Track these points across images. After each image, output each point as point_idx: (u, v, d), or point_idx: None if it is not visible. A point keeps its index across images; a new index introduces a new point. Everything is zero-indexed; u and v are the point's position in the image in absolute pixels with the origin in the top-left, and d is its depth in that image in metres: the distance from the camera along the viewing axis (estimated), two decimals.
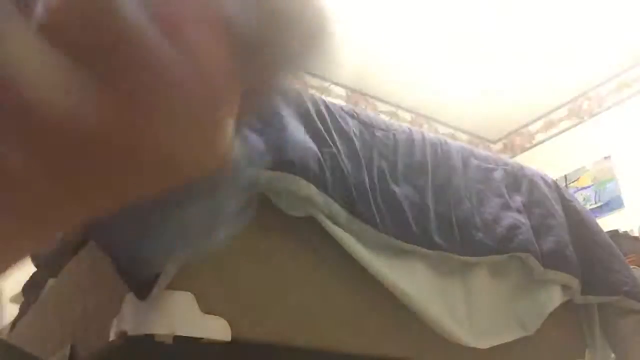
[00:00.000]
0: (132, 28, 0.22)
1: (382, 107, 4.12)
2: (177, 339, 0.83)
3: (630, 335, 1.39)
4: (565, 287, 1.33)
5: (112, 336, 0.83)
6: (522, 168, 1.46)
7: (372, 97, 4.10)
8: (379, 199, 1.09)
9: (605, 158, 3.78)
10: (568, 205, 1.46)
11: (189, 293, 0.87)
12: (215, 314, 0.89)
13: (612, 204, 3.65)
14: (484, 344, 1.17)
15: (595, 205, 3.71)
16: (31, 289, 1.38)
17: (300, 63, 0.34)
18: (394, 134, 1.24)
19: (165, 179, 0.26)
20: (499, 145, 4.60)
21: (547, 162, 3.92)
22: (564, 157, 4.03)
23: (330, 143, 1.08)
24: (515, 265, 1.28)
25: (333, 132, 1.11)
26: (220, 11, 0.25)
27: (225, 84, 0.25)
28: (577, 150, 3.98)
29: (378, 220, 1.07)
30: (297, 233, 1.04)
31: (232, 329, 0.89)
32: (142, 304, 0.82)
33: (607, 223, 2.61)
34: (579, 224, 1.44)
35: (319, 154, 1.03)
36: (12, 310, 1.62)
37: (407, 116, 4.22)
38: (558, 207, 1.43)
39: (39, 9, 0.22)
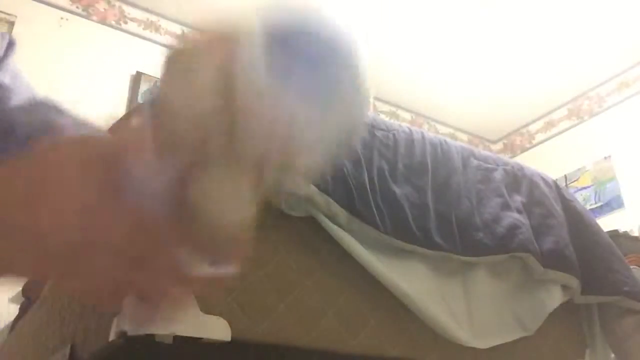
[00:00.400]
0: None
1: (382, 107, 4.12)
2: (177, 339, 0.83)
3: (630, 335, 1.39)
4: (565, 287, 1.33)
5: (112, 336, 0.83)
6: (522, 168, 1.46)
7: (372, 97, 4.10)
8: (379, 199, 1.09)
9: (605, 158, 3.78)
10: (568, 205, 1.46)
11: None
12: (215, 314, 0.89)
13: (612, 204, 3.65)
14: (483, 344, 1.17)
15: (595, 205, 3.71)
16: (30, 288, 1.39)
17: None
18: (394, 134, 1.24)
19: None
20: (499, 145, 4.60)
21: (547, 162, 3.92)
22: (564, 157, 4.03)
23: None
24: (515, 265, 1.28)
25: None
26: None
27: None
28: (577, 150, 3.98)
29: (378, 220, 1.07)
30: (297, 233, 1.04)
31: (232, 329, 0.89)
32: (142, 304, 0.82)
33: (607, 223, 2.61)
34: (579, 224, 1.43)
35: None
36: (12, 310, 1.62)
37: (407, 116, 4.22)
38: (558, 207, 1.43)
39: None
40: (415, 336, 1.13)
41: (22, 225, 0.29)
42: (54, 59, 2.86)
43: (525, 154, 4.36)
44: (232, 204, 0.32)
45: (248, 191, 0.32)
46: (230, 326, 0.89)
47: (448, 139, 1.38)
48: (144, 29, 3.30)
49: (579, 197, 3.70)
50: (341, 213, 1.03)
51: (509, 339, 1.22)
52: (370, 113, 1.31)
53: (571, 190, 3.62)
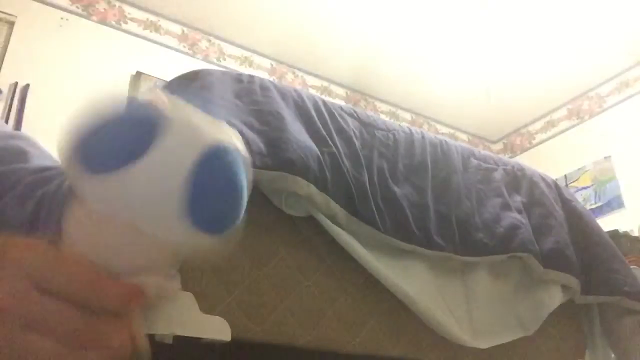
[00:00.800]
0: None
1: (382, 107, 4.12)
2: (177, 339, 0.83)
3: (630, 336, 1.39)
4: (565, 287, 1.33)
5: None
6: (522, 168, 1.46)
7: (372, 97, 4.10)
8: (379, 199, 1.09)
9: (605, 158, 3.78)
10: (568, 205, 1.46)
11: (189, 293, 0.87)
12: (215, 314, 0.89)
13: (612, 204, 3.65)
14: (483, 343, 1.17)
15: (595, 205, 3.71)
16: None
17: None
18: (394, 134, 1.24)
19: None
20: (499, 145, 4.60)
21: (547, 162, 3.92)
22: (564, 157, 4.03)
23: (330, 143, 1.08)
24: (515, 265, 1.28)
25: (333, 132, 1.11)
26: None
27: None
28: (577, 150, 3.98)
29: (378, 220, 1.07)
30: (297, 233, 1.04)
31: (232, 329, 0.89)
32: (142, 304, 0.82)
33: (607, 223, 2.60)
34: (579, 224, 1.43)
35: (319, 154, 1.03)
36: None
37: (407, 116, 4.22)
38: (558, 207, 1.43)
39: None
40: (415, 336, 1.13)
41: None
42: (54, 59, 2.86)
43: (525, 154, 4.36)
44: None
45: None
46: (230, 326, 0.89)
47: (448, 139, 1.38)
48: (144, 29, 3.30)
49: (579, 197, 3.70)
50: (341, 213, 1.03)
51: (509, 339, 1.22)
52: (370, 113, 1.31)
53: (571, 190, 3.62)
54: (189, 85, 1.02)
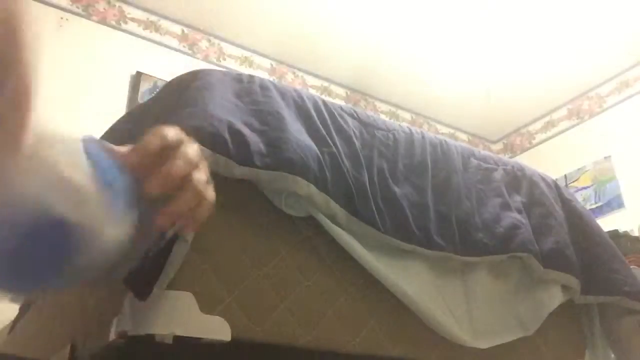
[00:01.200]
0: None
1: (382, 107, 4.13)
2: (177, 339, 0.83)
3: (630, 336, 1.39)
4: (565, 287, 1.33)
5: (112, 336, 0.83)
6: (522, 168, 1.46)
7: (372, 97, 4.10)
8: (379, 199, 1.09)
9: (605, 158, 3.78)
10: (568, 205, 1.46)
11: (189, 293, 0.87)
12: (215, 314, 0.89)
13: (612, 204, 3.65)
14: (483, 343, 1.17)
15: (595, 205, 3.71)
16: None
17: None
18: (394, 134, 1.24)
19: None
20: (499, 145, 4.60)
21: (547, 162, 3.92)
22: (564, 157, 4.03)
23: (330, 143, 1.08)
24: (515, 265, 1.28)
25: (333, 132, 1.11)
26: None
27: None
28: (577, 150, 3.98)
29: (378, 220, 1.07)
30: (297, 233, 1.04)
31: (232, 329, 0.89)
32: (142, 304, 0.82)
33: (607, 223, 2.61)
34: (579, 224, 1.43)
35: (319, 154, 1.03)
36: (12, 310, 1.62)
37: (407, 116, 4.22)
38: (558, 207, 1.43)
39: None
40: (415, 336, 1.13)
41: None
42: (54, 59, 2.86)
43: (525, 154, 4.36)
44: None
45: None
46: (230, 326, 0.89)
47: (448, 139, 1.38)
48: (144, 29, 3.30)
49: (579, 197, 3.70)
50: (341, 213, 1.03)
51: (509, 339, 1.22)
52: (370, 113, 1.31)
53: (571, 190, 3.62)
54: (188, 85, 1.03)
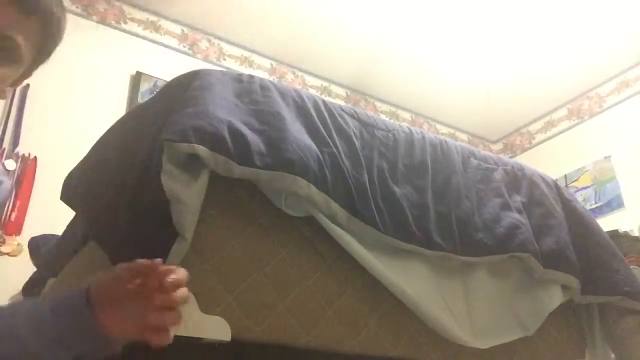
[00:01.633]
0: None
1: (382, 107, 4.12)
2: (177, 339, 0.83)
3: (631, 336, 1.39)
4: (565, 287, 1.33)
5: None
6: (522, 168, 1.46)
7: (372, 97, 4.10)
8: (379, 199, 1.09)
9: (605, 158, 3.77)
10: (568, 205, 1.46)
11: (189, 293, 0.87)
12: (215, 314, 0.89)
13: (612, 204, 3.65)
14: (483, 343, 1.17)
15: (595, 205, 3.71)
16: (31, 288, 1.38)
17: None
18: (394, 134, 1.24)
19: None
20: (499, 145, 4.60)
21: (547, 162, 3.92)
22: (564, 157, 4.02)
23: (330, 143, 1.08)
24: (515, 265, 1.28)
25: (333, 132, 1.11)
26: None
27: None
28: (577, 150, 3.98)
29: (378, 220, 1.06)
30: (297, 233, 1.04)
31: (232, 329, 0.89)
32: None
33: (607, 223, 2.60)
34: (579, 224, 1.43)
35: (319, 154, 1.03)
36: None
37: (407, 116, 4.22)
38: (558, 207, 1.43)
39: None
40: (415, 336, 1.13)
41: None
42: (53, 59, 2.86)
43: (525, 154, 4.35)
44: None
45: None
46: (230, 326, 0.89)
47: (448, 139, 1.38)
48: (144, 29, 3.30)
49: (579, 197, 3.70)
50: (341, 213, 1.03)
51: (509, 339, 1.22)
52: (370, 113, 1.31)
53: (571, 190, 3.62)
54: (188, 85, 1.02)
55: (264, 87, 1.10)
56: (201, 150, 0.89)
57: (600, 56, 3.68)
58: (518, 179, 1.42)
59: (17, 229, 2.40)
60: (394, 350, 1.09)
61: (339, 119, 1.15)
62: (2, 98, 0.76)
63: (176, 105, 0.97)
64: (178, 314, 0.67)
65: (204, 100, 0.97)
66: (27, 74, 0.80)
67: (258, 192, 1.00)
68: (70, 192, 1.21)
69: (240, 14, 3.40)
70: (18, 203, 2.44)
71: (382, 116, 2.84)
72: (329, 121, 1.12)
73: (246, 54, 3.63)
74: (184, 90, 1.01)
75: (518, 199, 1.36)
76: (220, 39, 3.56)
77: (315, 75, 3.86)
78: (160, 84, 3.00)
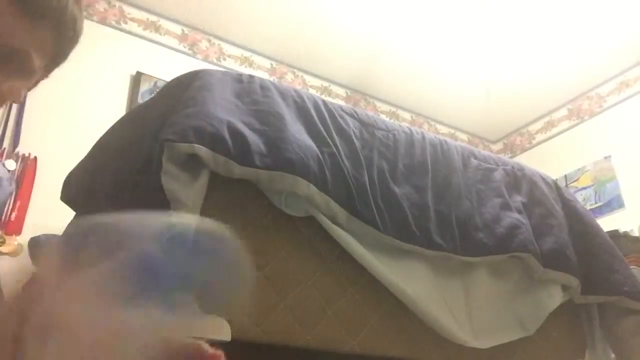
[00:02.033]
0: None
1: (382, 107, 4.12)
2: None
3: (630, 335, 1.39)
4: (565, 287, 1.33)
5: None
6: (522, 168, 1.46)
7: (372, 97, 4.10)
8: (379, 199, 1.09)
9: (605, 158, 3.77)
10: (568, 205, 1.46)
11: None
12: (215, 314, 0.89)
13: (612, 204, 3.65)
14: (484, 343, 1.17)
15: (595, 205, 3.71)
16: None
17: None
18: (394, 134, 1.24)
19: None
20: (499, 145, 4.60)
21: (547, 162, 3.92)
22: (564, 157, 4.02)
23: (330, 143, 1.08)
24: (515, 265, 1.28)
25: (333, 132, 1.11)
26: None
27: None
28: (577, 150, 3.98)
29: (378, 220, 1.07)
30: (297, 233, 1.04)
31: (232, 329, 0.89)
32: None
33: (607, 223, 2.60)
34: (579, 224, 1.43)
35: (319, 154, 1.03)
36: None
37: (407, 116, 4.22)
38: (558, 207, 1.43)
39: None
40: (415, 336, 1.13)
41: None
42: None
43: (525, 154, 4.35)
44: None
45: None
46: (230, 326, 0.89)
47: (448, 139, 1.38)
48: (144, 29, 3.30)
49: (579, 197, 3.70)
50: (341, 213, 1.03)
51: (509, 339, 1.22)
52: (370, 113, 1.31)
53: (571, 190, 3.61)
54: (189, 85, 1.03)
55: (264, 87, 1.10)
56: (201, 150, 0.89)
57: (600, 56, 3.68)
58: (518, 179, 1.42)
59: (17, 229, 2.40)
60: (394, 350, 1.09)
61: (339, 119, 1.15)
62: (18, 102, 0.73)
63: (176, 106, 0.97)
64: None
65: (204, 100, 0.97)
66: (43, 78, 0.74)
67: (258, 192, 1.00)
68: (71, 192, 1.22)
69: (240, 14, 3.40)
70: (18, 203, 2.44)
71: (382, 116, 2.84)
72: (329, 121, 1.12)
73: (246, 54, 3.63)
74: (184, 91, 1.01)
75: (518, 199, 1.36)
76: (220, 39, 3.56)
77: (315, 75, 3.86)
78: (160, 84, 3.00)
